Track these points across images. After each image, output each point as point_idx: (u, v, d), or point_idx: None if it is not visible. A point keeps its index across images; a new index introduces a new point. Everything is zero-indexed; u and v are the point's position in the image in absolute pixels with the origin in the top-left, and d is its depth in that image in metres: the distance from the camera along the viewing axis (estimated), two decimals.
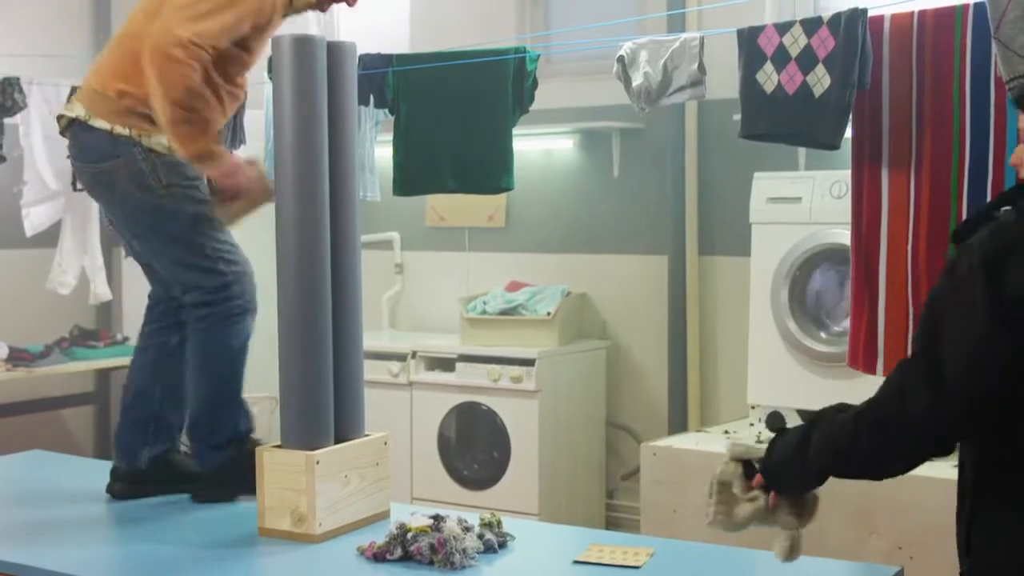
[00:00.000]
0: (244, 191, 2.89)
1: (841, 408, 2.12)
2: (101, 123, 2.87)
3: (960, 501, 2.08)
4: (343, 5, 3.06)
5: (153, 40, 2.74)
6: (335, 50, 2.72)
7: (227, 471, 2.91)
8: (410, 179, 4.03)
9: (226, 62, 2.84)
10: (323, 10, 3.08)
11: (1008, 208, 2.01)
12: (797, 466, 2.15)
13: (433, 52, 4.20)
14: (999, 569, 1.98)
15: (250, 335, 3.01)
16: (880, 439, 2.02)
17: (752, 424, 4.42)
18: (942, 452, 2.02)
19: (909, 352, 2.30)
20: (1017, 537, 1.95)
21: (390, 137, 4.11)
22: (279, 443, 2.67)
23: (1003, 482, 1.96)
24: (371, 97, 4.04)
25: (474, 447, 5.08)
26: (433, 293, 5.77)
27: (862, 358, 3.48)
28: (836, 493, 3.68)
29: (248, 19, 2.82)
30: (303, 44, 2.65)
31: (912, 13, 3.23)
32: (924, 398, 1.93)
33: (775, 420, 4.31)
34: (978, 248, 1.93)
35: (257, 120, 4.30)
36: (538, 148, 5.33)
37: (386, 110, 4.12)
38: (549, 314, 4.96)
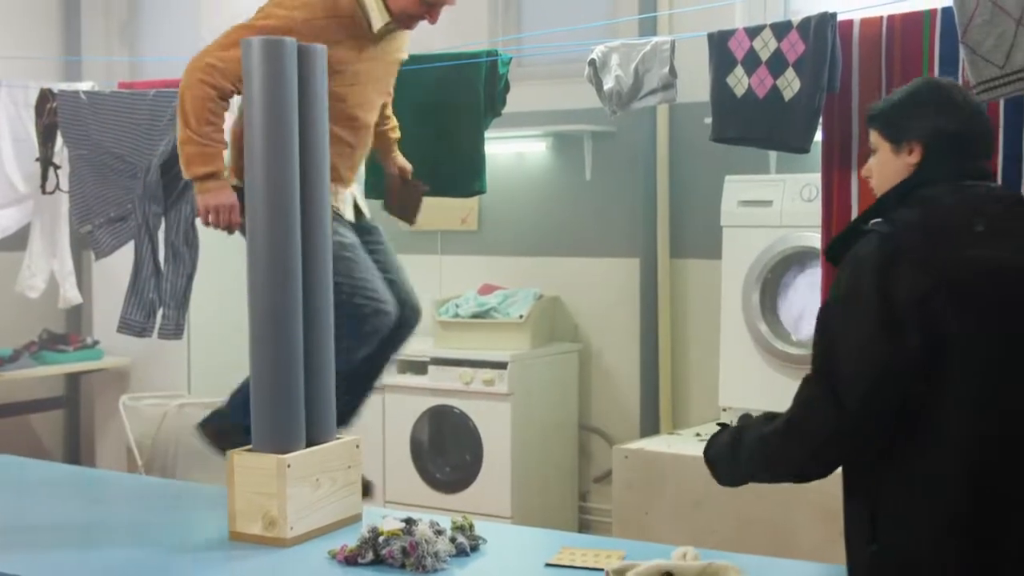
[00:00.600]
0: (232, 228, 3.05)
1: (768, 418, 2.28)
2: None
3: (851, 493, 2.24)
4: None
5: (187, 66, 3.02)
6: (305, 53, 2.72)
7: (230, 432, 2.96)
8: (382, 182, 4.02)
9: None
10: (410, 28, 3.32)
11: (879, 220, 2.20)
12: (729, 464, 2.34)
13: None
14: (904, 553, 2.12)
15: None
16: (797, 449, 2.18)
17: (719, 426, 4.43)
18: (856, 456, 2.15)
19: None
20: (916, 522, 2.10)
21: None
22: (250, 447, 2.66)
23: (901, 473, 2.11)
24: None
25: (446, 450, 5.08)
26: None
27: None
28: (807, 495, 3.72)
29: None
30: (273, 47, 2.65)
31: (881, 18, 3.25)
32: (829, 411, 2.09)
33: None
34: (867, 260, 2.12)
35: (227, 123, 4.28)
36: (510, 151, 5.33)
37: None
38: (521, 317, 4.96)
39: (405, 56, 3.43)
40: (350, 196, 3.30)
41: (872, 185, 2.50)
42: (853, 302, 2.12)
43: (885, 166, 2.46)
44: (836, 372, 2.11)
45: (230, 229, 3.06)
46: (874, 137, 2.52)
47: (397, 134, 3.61)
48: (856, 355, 2.09)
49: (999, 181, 3.06)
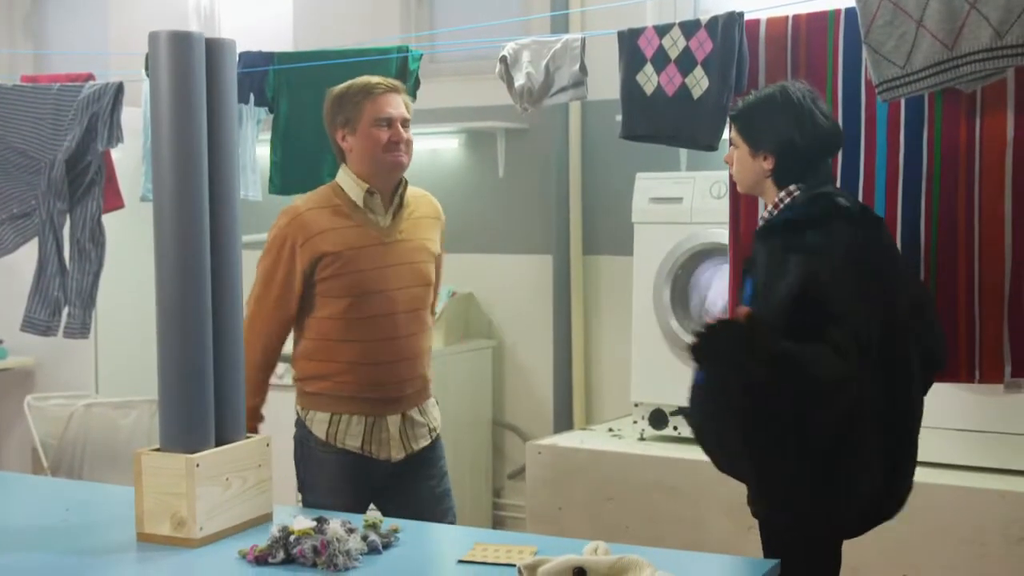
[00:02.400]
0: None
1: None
2: None
3: None
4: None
5: None
6: (214, 47, 2.68)
7: None
8: (288, 177, 4.00)
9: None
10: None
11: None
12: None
13: (315, 51, 4.17)
14: None
15: None
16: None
17: (635, 422, 4.48)
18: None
19: None
20: None
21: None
22: (158, 446, 2.62)
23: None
24: (251, 95, 3.99)
25: None
26: None
27: None
28: (716, 491, 3.76)
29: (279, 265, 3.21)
30: (181, 40, 2.61)
31: (787, 17, 3.30)
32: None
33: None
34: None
35: (135, 118, 4.22)
36: (424, 148, 5.32)
37: (266, 109, 4.08)
38: (435, 314, 4.95)
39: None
40: None
41: (731, 173, 2.94)
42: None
43: (743, 164, 2.86)
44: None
45: None
46: (734, 134, 2.88)
47: None
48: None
49: (900, 176, 3.14)
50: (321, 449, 3.27)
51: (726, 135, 3.36)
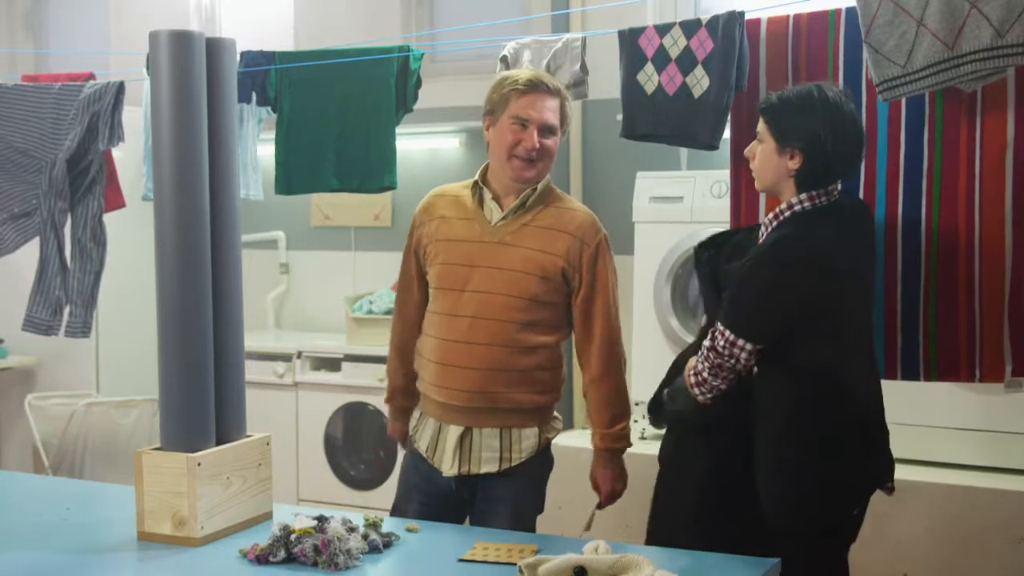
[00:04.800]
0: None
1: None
2: None
3: None
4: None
5: None
6: (214, 46, 2.69)
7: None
8: (292, 177, 3.99)
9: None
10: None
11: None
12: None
13: (316, 50, 4.17)
14: None
15: None
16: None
17: (635, 421, 4.48)
18: None
19: None
20: None
21: (273, 135, 4.07)
22: (159, 445, 2.63)
23: None
24: (253, 95, 3.99)
25: (360, 447, 5.06)
26: (319, 293, 5.73)
27: None
28: None
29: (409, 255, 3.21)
30: (181, 40, 2.61)
31: (788, 17, 3.30)
32: None
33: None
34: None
35: (135, 117, 4.22)
36: (424, 147, 5.33)
37: (268, 108, 4.08)
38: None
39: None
40: None
41: (752, 168, 2.84)
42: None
43: (767, 160, 2.79)
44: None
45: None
46: (762, 128, 2.80)
47: None
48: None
49: (901, 176, 3.14)
50: (408, 449, 3.21)
51: (727, 135, 3.36)
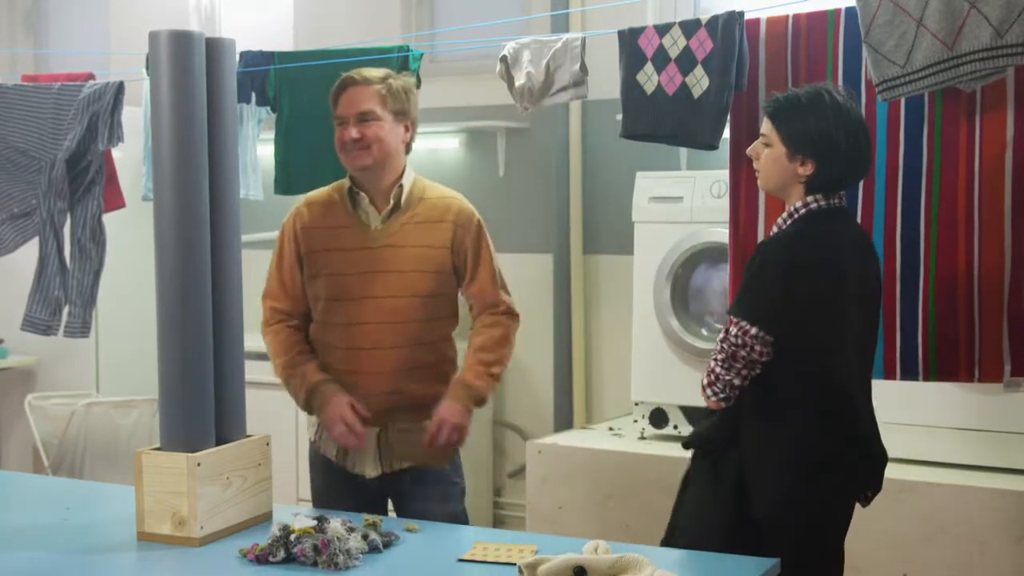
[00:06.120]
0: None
1: None
2: None
3: None
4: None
5: None
6: (214, 46, 2.69)
7: None
8: (292, 177, 3.99)
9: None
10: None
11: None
12: None
13: (316, 50, 4.17)
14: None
15: None
16: None
17: (636, 421, 4.48)
18: None
19: None
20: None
21: (273, 135, 4.07)
22: (158, 445, 2.63)
23: None
24: (252, 95, 3.99)
25: None
26: None
27: None
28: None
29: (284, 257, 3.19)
30: (181, 40, 2.61)
31: (787, 17, 3.30)
32: None
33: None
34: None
35: (135, 117, 4.22)
36: (424, 147, 5.32)
37: (268, 108, 4.08)
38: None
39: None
40: None
41: (756, 168, 2.78)
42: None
43: (776, 165, 2.72)
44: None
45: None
46: (769, 130, 2.73)
47: None
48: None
49: (900, 175, 3.14)
50: (312, 456, 3.23)
51: (726, 134, 3.36)
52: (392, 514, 3.17)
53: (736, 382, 2.65)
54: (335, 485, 3.15)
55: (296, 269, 3.16)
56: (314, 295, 3.13)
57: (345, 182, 3.18)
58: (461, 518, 3.15)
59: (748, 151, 2.84)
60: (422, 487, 3.12)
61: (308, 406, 3.11)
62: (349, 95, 3.10)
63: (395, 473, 3.11)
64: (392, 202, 3.11)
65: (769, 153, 2.73)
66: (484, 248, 3.18)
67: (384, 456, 3.10)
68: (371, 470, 3.10)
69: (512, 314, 3.23)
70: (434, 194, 3.18)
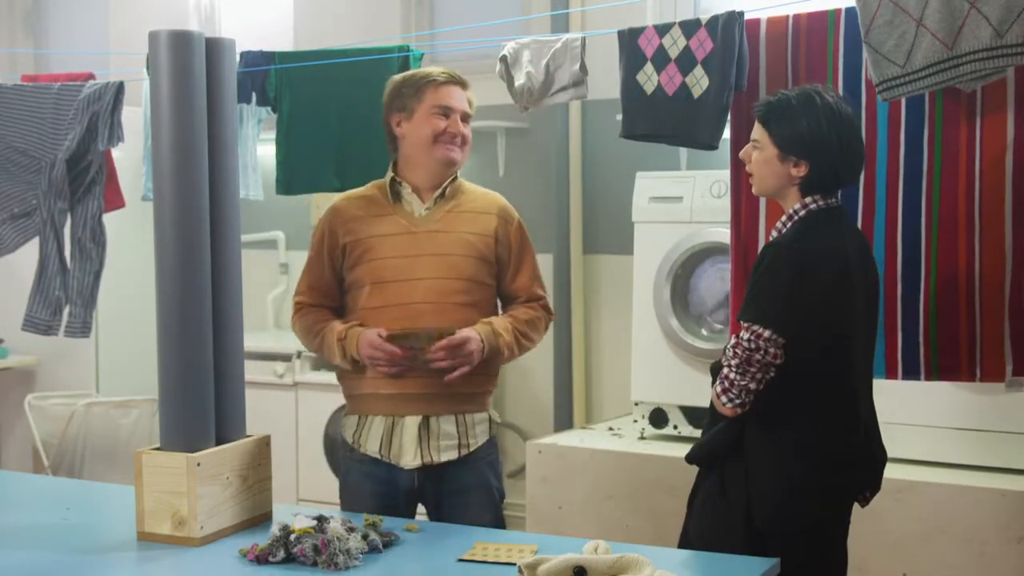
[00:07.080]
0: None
1: None
2: None
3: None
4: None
5: None
6: (214, 46, 2.69)
7: None
8: (293, 177, 4.00)
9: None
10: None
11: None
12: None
13: (316, 50, 4.17)
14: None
15: None
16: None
17: (635, 421, 4.48)
18: None
19: None
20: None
21: (273, 135, 4.07)
22: (158, 445, 2.63)
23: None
24: (253, 95, 4.00)
25: None
26: None
27: None
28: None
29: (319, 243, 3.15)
30: (180, 40, 2.61)
31: (787, 17, 3.30)
32: None
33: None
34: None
35: (135, 117, 4.23)
36: None
37: (268, 108, 4.08)
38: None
39: None
40: None
41: (749, 171, 2.79)
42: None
43: (768, 167, 2.73)
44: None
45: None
46: (759, 133, 2.74)
47: None
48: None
49: (901, 175, 3.14)
50: (348, 455, 3.15)
51: (726, 134, 3.36)
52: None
53: (752, 387, 2.60)
54: (378, 483, 3.08)
55: (327, 267, 3.15)
56: (356, 281, 3.10)
57: (383, 180, 3.19)
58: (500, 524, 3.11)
59: (740, 155, 2.84)
60: (466, 492, 3.08)
61: (345, 355, 3.06)
62: (455, 92, 3.18)
63: (435, 467, 3.06)
64: (441, 191, 3.14)
65: (760, 156, 2.73)
66: (527, 244, 3.23)
67: (424, 445, 3.05)
68: (411, 461, 3.04)
69: (549, 311, 3.29)
70: (476, 189, 3.26)
